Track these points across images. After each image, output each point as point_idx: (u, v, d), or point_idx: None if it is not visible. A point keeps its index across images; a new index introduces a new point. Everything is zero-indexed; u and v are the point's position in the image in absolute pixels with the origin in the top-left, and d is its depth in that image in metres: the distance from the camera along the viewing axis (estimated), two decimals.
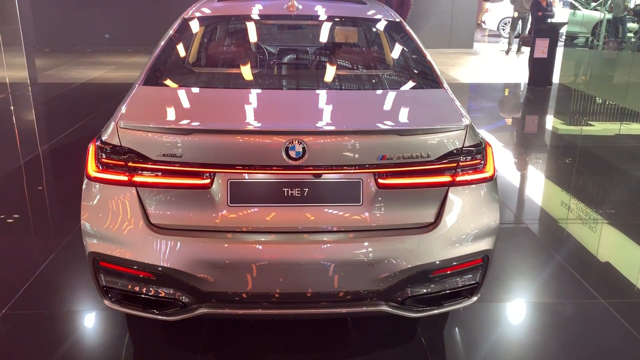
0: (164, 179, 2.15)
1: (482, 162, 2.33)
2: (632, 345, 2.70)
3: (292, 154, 2.11)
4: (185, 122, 2.21)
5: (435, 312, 2.36)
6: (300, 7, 3.30)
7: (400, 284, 2.23)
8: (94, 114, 6.94)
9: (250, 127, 2.21)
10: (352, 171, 2.18)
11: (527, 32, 12.05)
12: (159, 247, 2.14)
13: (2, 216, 4.09)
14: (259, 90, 2.73)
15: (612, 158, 5.91)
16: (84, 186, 2.30)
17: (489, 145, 2.41)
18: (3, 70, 8.48)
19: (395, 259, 2.18)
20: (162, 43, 2.95)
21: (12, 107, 7.73)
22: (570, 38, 14.62)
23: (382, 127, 2.26)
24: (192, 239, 2.15)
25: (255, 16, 3.40)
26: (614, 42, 12.54)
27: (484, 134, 6.97)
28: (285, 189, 2.18)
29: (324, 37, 3.62)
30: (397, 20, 3.37)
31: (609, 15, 13.11)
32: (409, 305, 2.28)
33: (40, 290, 3.07)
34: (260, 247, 2.15)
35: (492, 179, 2.38)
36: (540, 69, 9.09)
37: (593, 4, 15.36)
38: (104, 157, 2.20)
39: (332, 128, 2.23)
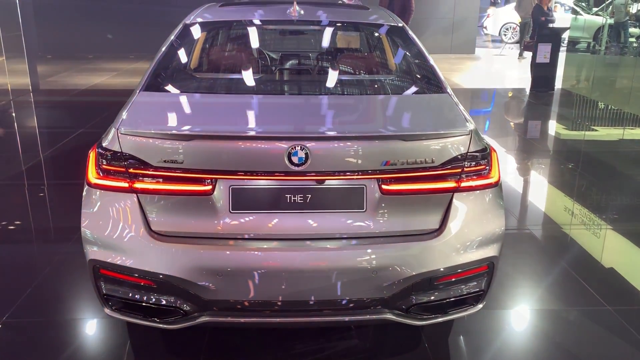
0: (165, 185, 2.13)
1: (487, 167, 2.31)
2: None
3: (295, 159, 2.09)
4: (186, 128, 2.19)
5: (440, 320, 2.33)
6: (303, 12, 3.29)
7: (405, 292, 2.20)
8: (95, 121, 6.93)
9: (252, 133, 2.20)
10: (355, 177, 2.15)
11: (529, 37, 11.99)
12: (160, 254, 2.11)
13: (3, 223, 4.08)
14: (261, 96, 2.72)
15: (616, 163, 5.89)
16: (84, 193, 2.28)
17: (494, 151, 2.39)
18: (5, 76, 8.49)
19: (399, 266, 2.16)
20: (164, 49, 2.93)
21: (13, 114, 7.72)
22: (573, 43, 14.62)
23: (386, 132, 2.24)
24: (194, 246, 2.12)
25: (257, 22, 3.38)
26: (616, 47, 12.52)
27: (487, 139, 6.95)
28: (288, 196, 2.16)
29: (326, 43, 3.61)
30: (400, 25, 3.36)
31: (610, 20, 13.10)
32: (413, 313, 2.26)
33: (41, 297, 3.05)
34: (263, 254, 2.12)
35: (497, 184, 2.36)
36: (542, 74, 9.07)
37: (595, 9, 15.37)
38: (104, 163, 2.18)
39: (335, 133, 2.21)
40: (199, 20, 3.26)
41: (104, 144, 2.20)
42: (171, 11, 11.36)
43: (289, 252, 2.14)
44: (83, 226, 2.22)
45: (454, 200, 2.25)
